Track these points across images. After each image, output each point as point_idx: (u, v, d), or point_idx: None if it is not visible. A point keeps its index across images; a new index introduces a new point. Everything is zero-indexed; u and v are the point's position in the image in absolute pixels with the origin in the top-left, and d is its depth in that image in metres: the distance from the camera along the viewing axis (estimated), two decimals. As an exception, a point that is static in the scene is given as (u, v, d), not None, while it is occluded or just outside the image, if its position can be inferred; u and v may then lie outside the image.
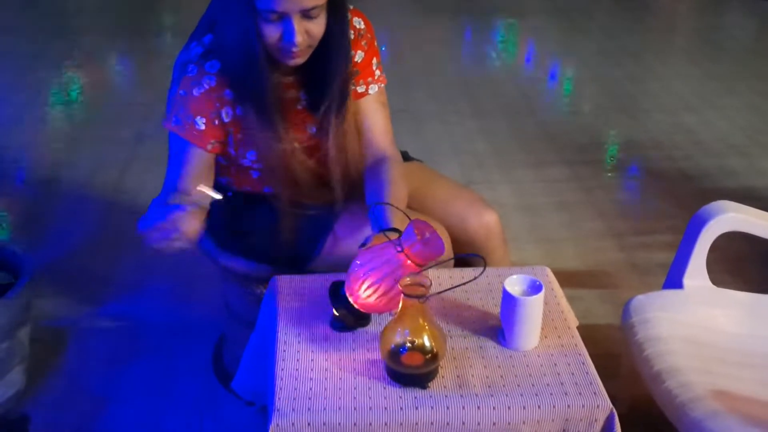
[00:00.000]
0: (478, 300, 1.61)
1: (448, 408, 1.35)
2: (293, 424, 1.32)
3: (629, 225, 2.94)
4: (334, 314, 1.50)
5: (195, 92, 1.64)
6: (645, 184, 3.30)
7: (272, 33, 1.55)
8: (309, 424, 1.32)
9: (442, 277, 1.64)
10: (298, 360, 1.44)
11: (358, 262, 1.45)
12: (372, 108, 1.81)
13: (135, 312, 2.43)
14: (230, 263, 1.84)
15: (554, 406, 1.36)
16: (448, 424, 1.34)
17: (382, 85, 1.83)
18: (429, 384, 1.39)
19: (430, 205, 1.89)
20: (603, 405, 1.37)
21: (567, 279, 2.14)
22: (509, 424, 1.35)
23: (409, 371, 1.38)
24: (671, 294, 1.90)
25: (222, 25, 1.63)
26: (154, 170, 2.90)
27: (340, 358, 1.45)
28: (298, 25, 1.54)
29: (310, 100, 1.72)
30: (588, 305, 2.46)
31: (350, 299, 1.45)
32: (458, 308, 1.58)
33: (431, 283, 1.35)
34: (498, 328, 1.52)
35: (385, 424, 1.33)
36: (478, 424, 1.34)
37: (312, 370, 1.42)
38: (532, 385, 1.39)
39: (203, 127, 1.66)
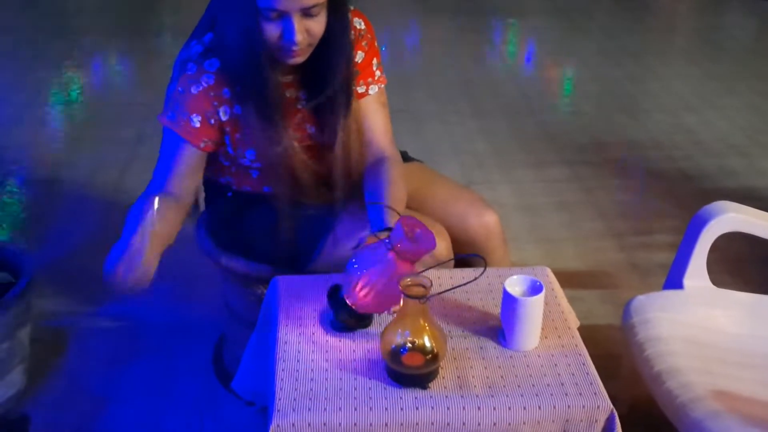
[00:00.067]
0: (479, 300, 1.61)
1: (448, 408, 1.34)
2: (293, 424, 1.32)
3: (629, 225, 2.94)
4: (334, 315, 1.50)
5: (193, 90, 1.64)
6: (645, 184, 3.29)
7: (272, 31, 1.55)
8: (309, 425, 1.32)
9: (442, 278, 1.64)
10: (298, 360, 1.44)
11: (353, 262, 1.46)
12: (372, 108, 1.81)
13: (135, 312, 2.42)
14: (230, 263, 1.84)
15: (555, 407, 1.36)
16: (448, 424, 1.34)
17: (382, 85, 1.83)
18: (429, 384, 1.39)
19: (430, 205, 1.89)
20: (603, 405, 1.37)
21: (567, 279, 2.13)
22: (510, 424, 1.34)
23: (409, 372, 1.38)
24: (672, 294, 1.90)
25: (222, 24, 1.63)
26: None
27: (341, 359, 1.45)
28: (299, 24, 1.54)
29: (309, 100, 1.72)
30: (588, 305, 2.46)
31: (348, 301, 1.45)
32: (459, 309, 1.58)
33: (431, 284, 1.35)
34: (498, 328, 1.51)
35: (386, 424, 1.33)
36: (479, 424, 1.34)
37: (312, 370, 1.42)
38: (533, 386, 1.39)
39: (198, 125, 1.66)
